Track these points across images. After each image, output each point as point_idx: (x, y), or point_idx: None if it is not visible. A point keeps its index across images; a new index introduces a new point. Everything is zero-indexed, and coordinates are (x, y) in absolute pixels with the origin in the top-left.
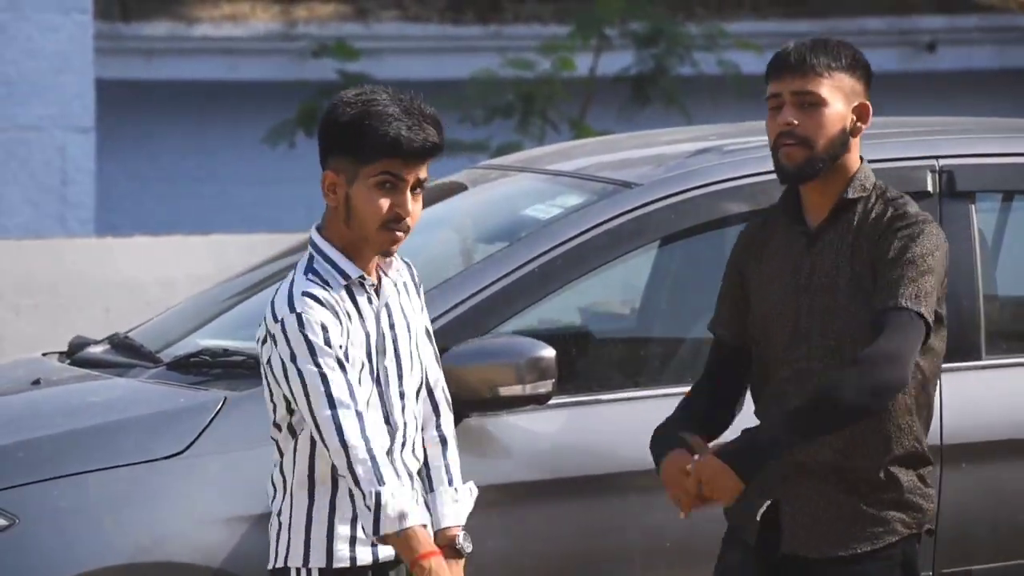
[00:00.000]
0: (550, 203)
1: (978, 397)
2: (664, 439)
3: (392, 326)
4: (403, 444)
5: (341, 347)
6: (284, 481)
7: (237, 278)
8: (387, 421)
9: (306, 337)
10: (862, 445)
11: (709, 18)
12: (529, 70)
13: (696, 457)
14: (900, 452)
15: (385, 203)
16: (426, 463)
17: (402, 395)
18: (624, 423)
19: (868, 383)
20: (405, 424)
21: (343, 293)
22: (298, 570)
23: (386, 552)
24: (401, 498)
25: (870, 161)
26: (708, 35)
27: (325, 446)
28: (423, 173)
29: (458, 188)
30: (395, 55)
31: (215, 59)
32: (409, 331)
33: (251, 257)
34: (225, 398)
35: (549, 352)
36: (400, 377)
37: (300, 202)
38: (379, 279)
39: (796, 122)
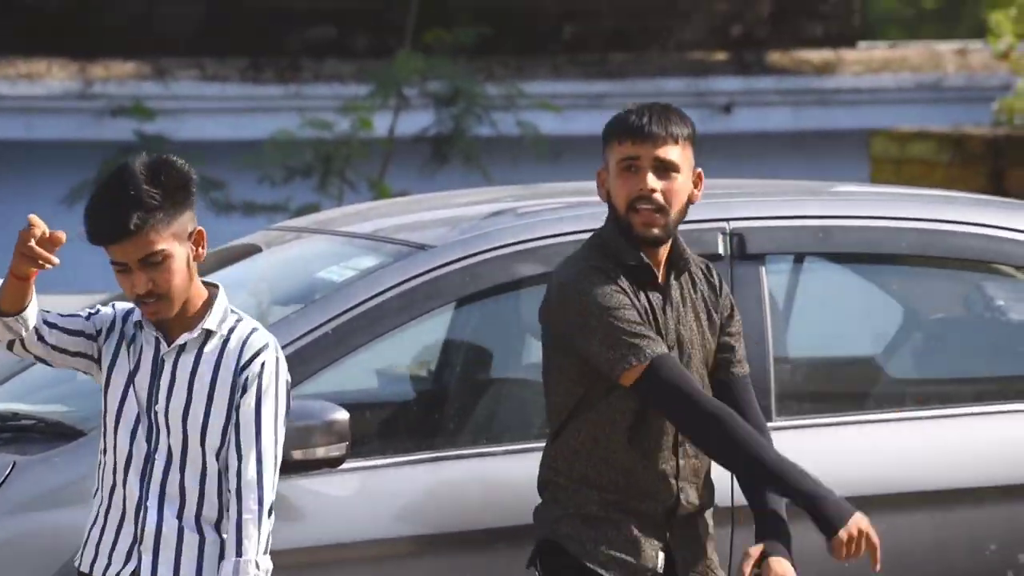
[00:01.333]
0: (344, 265)
1: None
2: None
3: (172, 378)
4: (159, 505)
5: (99, 345)
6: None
7: None
8: (141, 467)
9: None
10: (707, 480)
11: (508, 78)
12: (328, 130)
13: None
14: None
15: (125, 285)
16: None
17: (169, 448)
18: (419, 486)
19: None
20: (166, 475)
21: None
22: None
23: None
24: None
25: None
26: (507, 95)
27: None
28: (145, 250)
29: (253, 250)
30: (194, 115)
31: (11, 118)
32: (189, 396)
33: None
34: (14, 463)
35: (343, 415)
36: (167, 429)
37: (99, 263)
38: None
39: (658, 188)
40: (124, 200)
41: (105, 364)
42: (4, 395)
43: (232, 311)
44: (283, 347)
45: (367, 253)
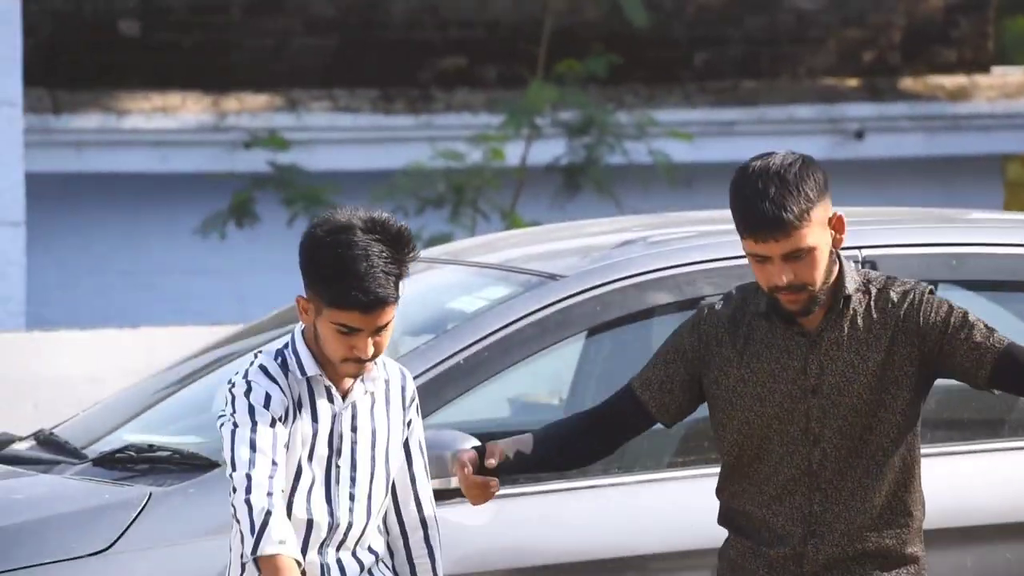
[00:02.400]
0: (476, 295)
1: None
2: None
3: (354, 429)
4: (341, 543)
5: (281, 419)
6: (231, 550)
7: (165, 372)
8: (331, 516)
9: (249, 399)
10: (883, 524)
11: (639, 107)
12: (459, 160)
13: None
14: (915, 525)
15: (344, 346)
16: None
17: (351, 497)
18: (554, 514)
19: None
20: (350, 525)
21: (303, 386)
22: None
23: None
24: (284, 528)
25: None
26: (638, 124)
27: (232, 484)
28: (383, 320)
29: None
30: (326, 145)
31: (146, 151)
32: (374, 439)
33: (180, 350)
34: (150, 494)
35: (475, 444)
36: (353, 480)
37: (231, 294)
38: (351, 383)
39: (792, 277)
40: (387, 271)
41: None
42: (139, 427)
43: None
44: (415, 376)
45: (498, 283)
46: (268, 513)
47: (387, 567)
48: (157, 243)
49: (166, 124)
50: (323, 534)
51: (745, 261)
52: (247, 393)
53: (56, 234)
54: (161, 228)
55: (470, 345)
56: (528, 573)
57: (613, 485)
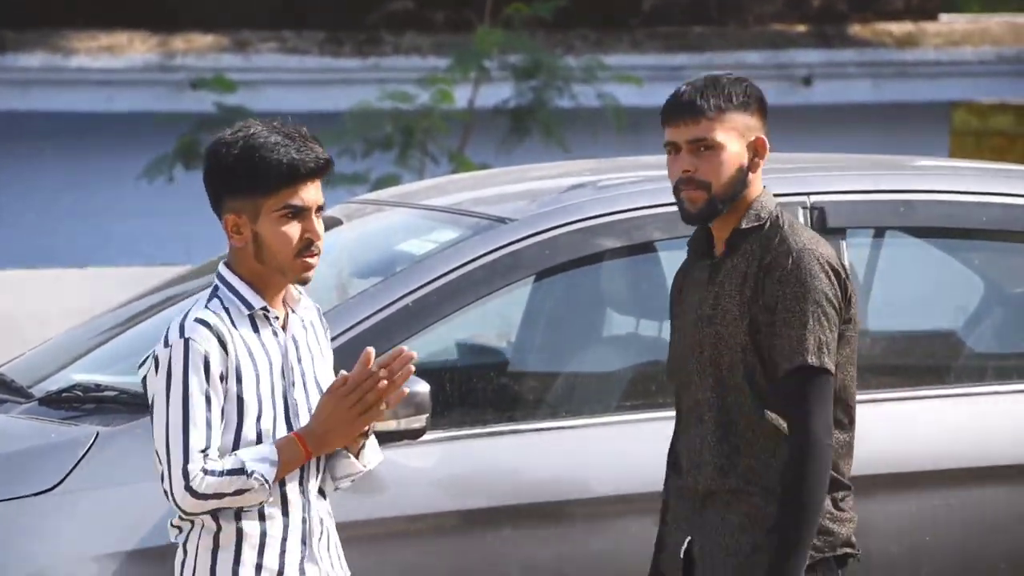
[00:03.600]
0: (425, 238)
1: (858, 432)
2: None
3: (299, 360)
4: (316, 473)
5: (222, 379)
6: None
7: (112, 312)
8: None
9: (186, 362)
10: (764, 469)
11: (588, 51)
12: (408, 103)
13: None
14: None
15: (295, 233)
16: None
17: None
18: (498, 458)
19: (818, 470)
20: (318, 459)
21: (246, 325)
22: None
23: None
24: (257, 461)
25: None
26: (587, 68)
27: (157, 456)
28: (320, 196)
29: (333, 223)
30: (274, 87)
31: (92, 91)
32: (314, 368)
33: (127, 291)
34: (97, 433)
35: (423, 387)
36: (309, 411)
37: (178, 236)
38: (286, 314)
39: (693, 169)
40: (314, 137)
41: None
42: (86, 366)
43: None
44: (364, 319)
45: (447, 226)
46: (230, 471)
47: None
48: (103, 184)
49: (112, 64)
50: (298, 471)
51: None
52: (186, 355)
53: (1, 174)
54: (107, 169)
55: (419, 288)
56: (474, 515)
57: (561, 428)
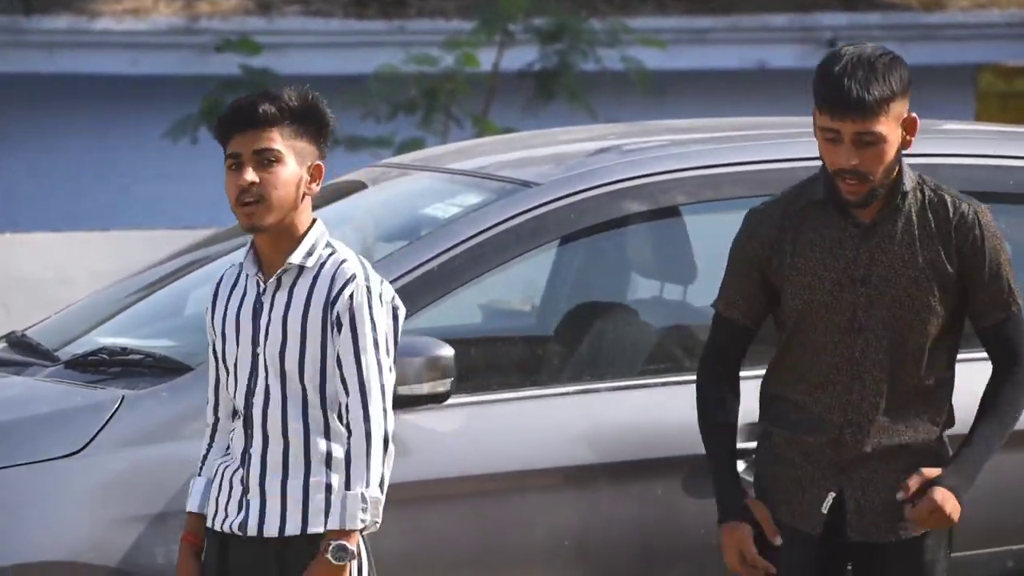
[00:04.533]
0: (449, 202)
1: None
2: (729, 497)
3: (270, 318)
4: (264, 432)
5: (210, 328)
6: None
7: (137, 275)
8: (244, 409)
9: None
10: (917, 420)
11: (612, 14)
12: (432, 66)
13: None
14: (947, 430)
15: (232, 183)
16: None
17: (267, 384)
18: (523, 422)
19: None
20: (266, 414)
21: (241, 278)
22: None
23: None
24: (193, 485)
25: (774, 161)
26: (611, 31)
27: None
28: (262, 143)
29: (357, 187)
30: (298, 50)
31: (117, 53)
32: (284, 334)
33: (152, 253)
34: (123, 397)
35: (448, 351)
36: (265, 368)
37: (203, 198)
38: (279, 271)
39: (858, 162)
40: (263, 95)
41: (218, 331)
42: (112, 330)
43: (329, 243)
44: (391, 281)
45: (472, 190)
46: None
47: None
48: (128, 146)
49: (137, 26)
50: (241, 421)
51: (720, 171)
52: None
53: (26, 136)
54: (132, 131)
55: (443, 252)
56: (499, 479)
57: (586, 392)
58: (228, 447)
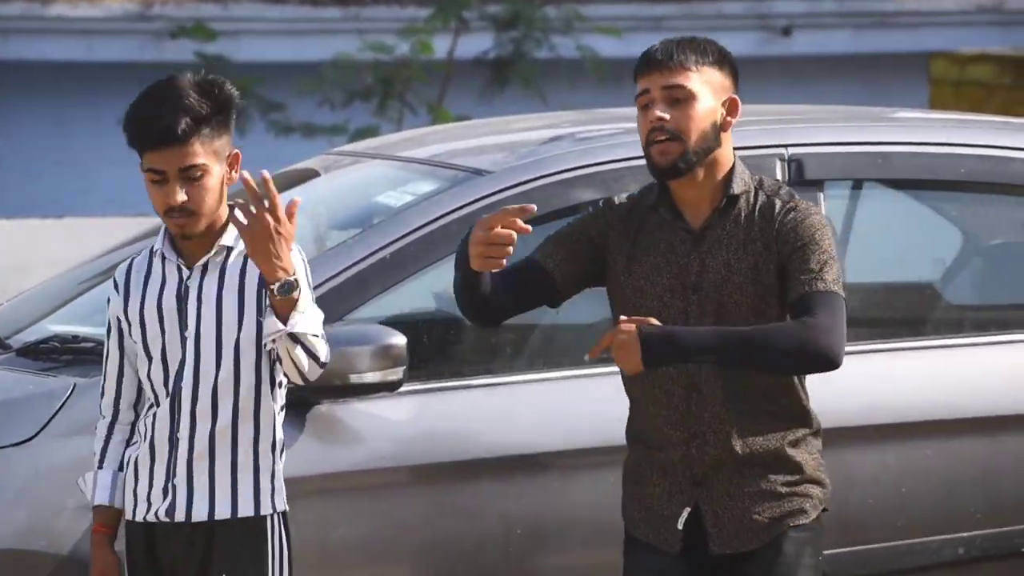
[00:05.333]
0: (402, 190)
1: (835, 383)
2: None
3: (199, 301)
4: (192, 416)
5: (118, 318)
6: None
7: (91, 262)
8: (175, 386)
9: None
10: (764, 426)
11: (567, 2)
12: (388, 53)
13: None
14: (798, 432)
15: (158, 195)
16: None
17: (196, 367)
18: (476, 410)
19: (808, 344)
20: (196, 396)
21: (157, 265)
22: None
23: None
24: (97, 479)
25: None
26: (566, 19)
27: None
28: (187, 160)
29: (310, 174)
30: (253, 37)
31: (72, 40)
32: (219, 314)
33: (108, 240)
34: (75, 385)
35: (400, 339)
36: (198, 351)
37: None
38: (203, 255)
39: (667, 117)
40: (176, 106)
41: (135, 319)
42: (64, 318)
43: None
44: (341, 271)
45: (425, 178)
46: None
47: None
48: (85, 133)
49: (91, 12)
50: (167, 405)
51: None
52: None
53: None
54: (88, 118)
55: (396, 240)
56: (451, 467)
57: (538, 381)
58: (130, 439)
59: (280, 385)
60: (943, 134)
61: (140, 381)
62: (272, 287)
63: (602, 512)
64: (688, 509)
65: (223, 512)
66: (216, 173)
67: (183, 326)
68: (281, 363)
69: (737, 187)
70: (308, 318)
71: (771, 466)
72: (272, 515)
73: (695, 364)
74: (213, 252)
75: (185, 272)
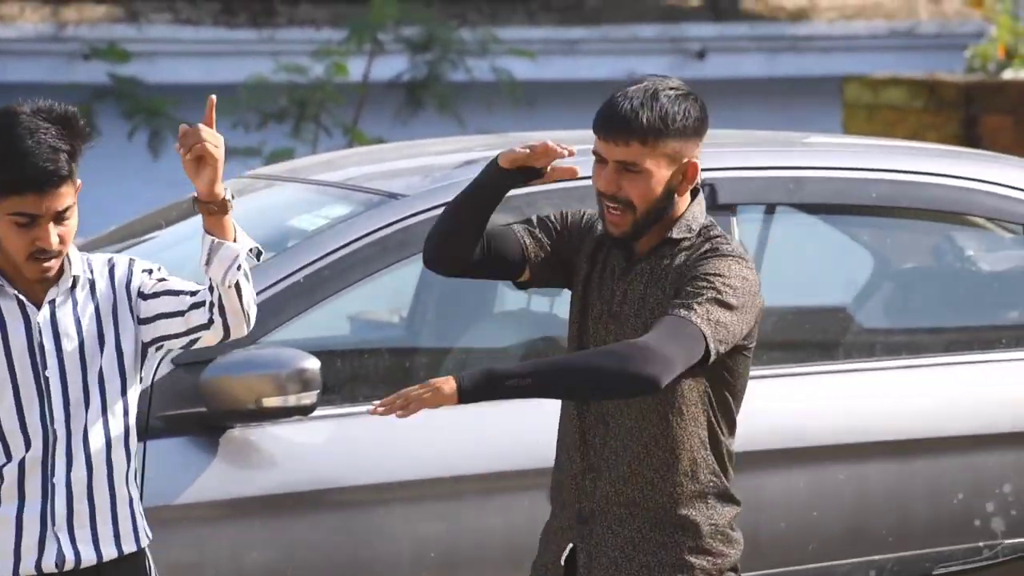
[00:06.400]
0: (316, 213)
1: (746, 406)
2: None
3: (57, 336)
4: (68, 456)
5: None
6: None
7: None
8: (44, 430)
9: None
10: (657, 481)
11: (482, 24)
12: (303, 75)
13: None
14: (696, 488)
15: (25, 240)
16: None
17: (66, 404)
18: (389, 433)
19: (628, 366)
20: (69, 434)
21: None
22: None
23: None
24: None
25: None
26: (481, 41)
27: None
28: (63, 203)
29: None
30: (168, 58)
31: None
32: (80, 341)
33: None
34: None
35: (313, 363)
36: (66, 388)
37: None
38: (49, 290)
39: (618, 188)
40: (51, 146)
41: None
42: None
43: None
44: (256, 294)
45: (339, 202)
46: None
47: (125, 474)
48: None
49: (4, 33)
50: (39, 452)
51: (586, 184)
52: None
53: None
54: None
55: (310, 263)
56: (364, 491)
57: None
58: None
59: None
60: (855, 159)
61: None
62: (222, 201)
63: (515, 536)
64: (571, 545)
65: (110, 553)
66: (75, 208)
67: (41, 366)
68: (225, 308)
69: (676, 232)
70: (244, 236)
71: (659, 520)
72: (147, 546)
73: (515, 394)
74: (68, 284)
75: (31, 310)
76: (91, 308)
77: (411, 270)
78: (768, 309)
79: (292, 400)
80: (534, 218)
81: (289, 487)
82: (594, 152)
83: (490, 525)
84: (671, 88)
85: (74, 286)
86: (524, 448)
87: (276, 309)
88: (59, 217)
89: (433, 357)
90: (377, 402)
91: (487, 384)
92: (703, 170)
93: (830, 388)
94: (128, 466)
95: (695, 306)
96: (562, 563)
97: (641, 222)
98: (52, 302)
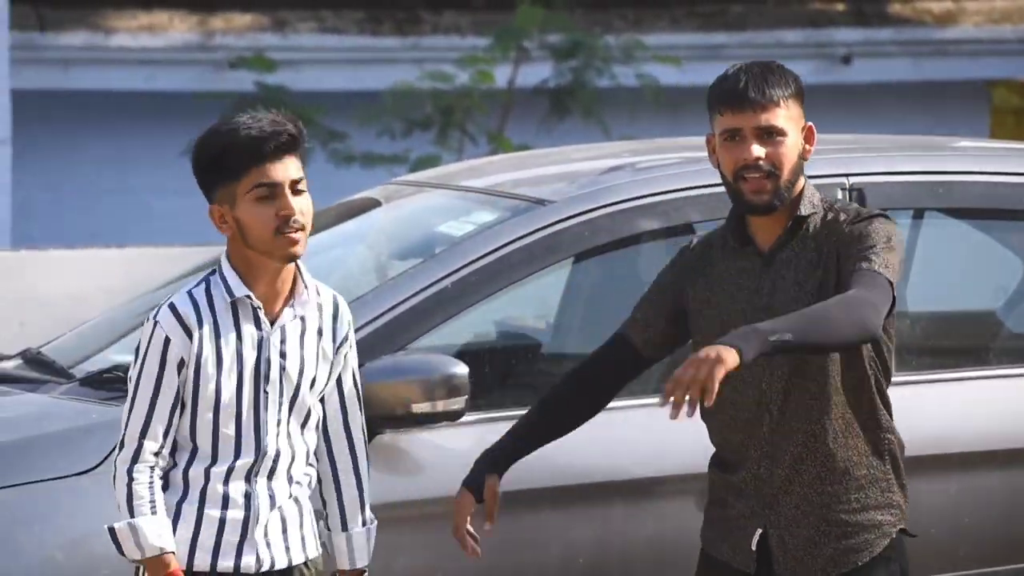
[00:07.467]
0: (464, 220)
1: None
2: (478, 464)
3: (283, 355)
4: (271, 471)
5: (182, 365)
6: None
7: (152, 292)
8: (257, 442)
9: (149, 344)
10: (840, 448)
11: (627, 31)
12: (447, 82)
13: None
14: (877, 449)
15: (270, 214)
16: (326, 500)
17: (279, 423)
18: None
19: (858, 314)
20: (279, 452)
21: (226, 313)
22: None
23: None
24: (146, 528)
25: None
26: (626, 48)
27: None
28: (294, 172)
29: (372, 204)
30: (313, 66)
31: (132, 69)
32: (302, 365)
33: (168, 270)
34: None
35: (462, 369)
36: (280, 407)
37: (192, 213)
38: (281, 307)
39: (762, 156)
40: (279, 120)
41: (208, 364)
42: (127, 347)
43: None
44: (403, 301)
45: (486, 208)
46: (130, 497)
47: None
48: (145, 162)
49: (153, 43)
50: (251, 460)
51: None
52: (151, 335)
53: (42, 153)
54: (148, 147)
55: (457, 270)
56: (512, 496)
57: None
58: (184, 486)
59: None
60: (1004, 163)
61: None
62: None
63: (666, 541)
64: (760, 530)
65: (298, 557)
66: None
67: (264, 380)
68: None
69: (805, 209)
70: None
71: (837, 492)
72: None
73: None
74: (301, 306)
75: (263, 317)
76: (316, 336)
77: (558, 276)
78: (918, 314)
79: (441, 406)
80: (626, 332)
81: (439, 492)
82: (724, 132)
83: (639, 530)
84: (769, 62)
85: (319, 312)
86: (679, 453)
87: (423, 315)
88: (295, 188)
89: (580, 362)
90: (666, 395)
91: (758, 343)
92: (850, 175)
93: (980, 393)
94: (310, 476)
95: (874, 259)
96: (753, 547)
97: (782, 189)
98: (285, 322)
